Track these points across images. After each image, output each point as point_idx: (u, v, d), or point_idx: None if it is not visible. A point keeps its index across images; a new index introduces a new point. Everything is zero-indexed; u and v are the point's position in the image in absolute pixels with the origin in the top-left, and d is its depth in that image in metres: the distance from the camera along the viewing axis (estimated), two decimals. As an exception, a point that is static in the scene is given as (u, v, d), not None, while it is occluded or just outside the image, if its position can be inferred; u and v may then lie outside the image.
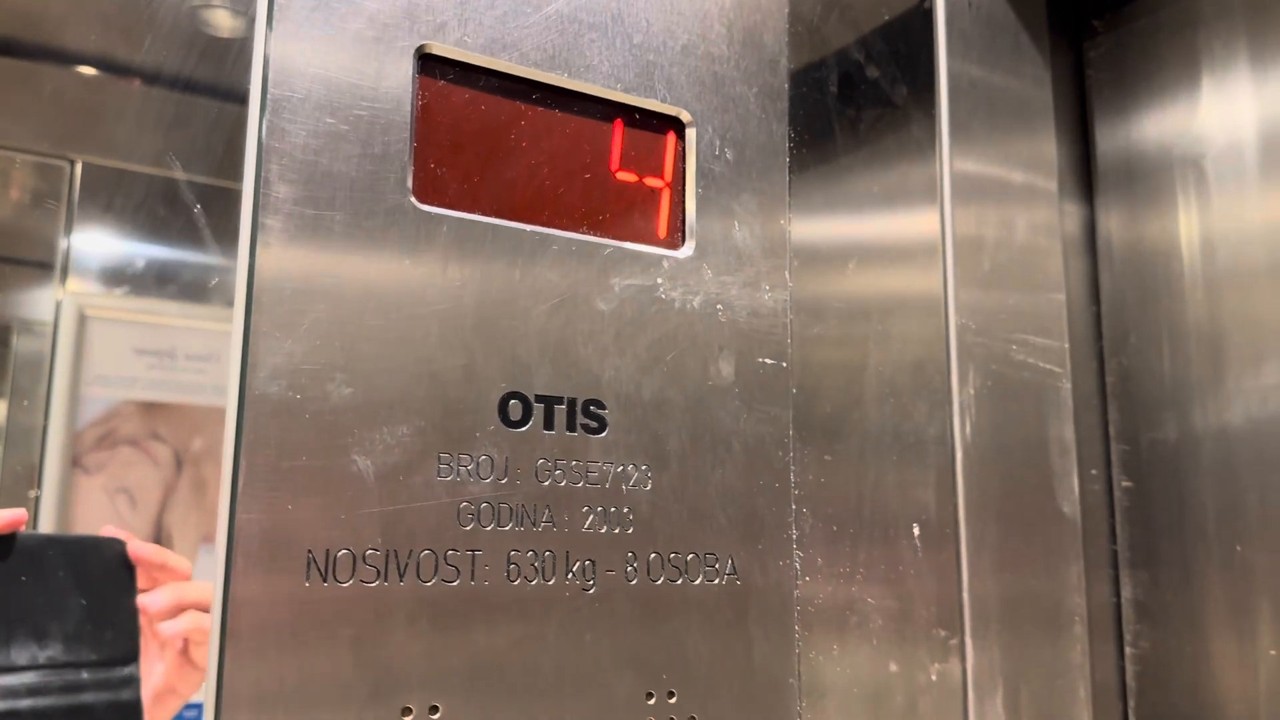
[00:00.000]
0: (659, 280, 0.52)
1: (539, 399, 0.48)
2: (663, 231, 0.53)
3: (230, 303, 0.63)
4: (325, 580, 0.42)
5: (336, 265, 0.44)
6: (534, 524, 0.47)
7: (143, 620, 0.76)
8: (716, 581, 0.51)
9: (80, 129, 1.45)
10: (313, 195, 0.44)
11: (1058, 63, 0.71)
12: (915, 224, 0.61)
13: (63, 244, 1.41)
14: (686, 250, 0.53)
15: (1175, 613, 0.65)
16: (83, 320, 1.40)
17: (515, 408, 0.47)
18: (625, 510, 0.49)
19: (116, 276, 1.43)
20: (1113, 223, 0.73)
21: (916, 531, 0.59)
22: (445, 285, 0.46)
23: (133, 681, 0.74)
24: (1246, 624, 0.62)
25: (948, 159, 0.63)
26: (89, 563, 0.75)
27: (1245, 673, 0.62)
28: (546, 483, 0.48)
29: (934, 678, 0.58)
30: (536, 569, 0.47)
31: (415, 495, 0.45)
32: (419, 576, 0.44)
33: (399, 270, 0.46)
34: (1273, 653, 0.60)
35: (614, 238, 0.51)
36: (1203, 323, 0.66)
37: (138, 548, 0.75)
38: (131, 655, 0.74)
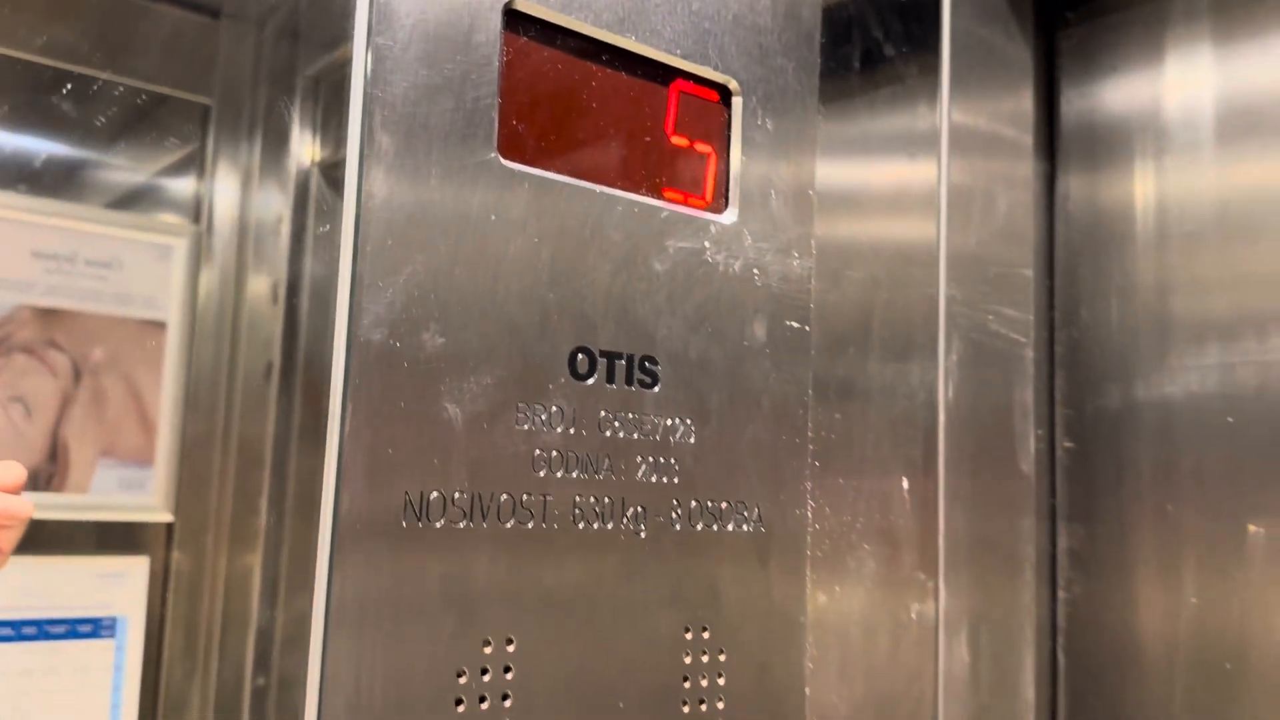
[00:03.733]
0: (706, 244, 0.54)
1: (603, 354, 0.50)
2: (709, 196, 0.55)
3: (142, 209, 0.62)
4: (420, 521, 0.44)
5: (431, 219, 0.46)
6: (596, 472, 0.50)
7: None
8: (745, 528, 0.55)
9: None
10: (412, 146, 0.45)
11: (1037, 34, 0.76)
12: (917, 173, 0.66)
13: (-45, 135, 1.33)
14: (730, 216, 0.56)
15: (1108, 563, 0.73)
16: (-24, 218, 1.32)
17: (583, 362, 0.50)
18: (672, 461, 0.52)
19: (14, 173, 1.35)
20: (1072, 181, 0.77)
21: (906, 485, 0.64)
22: (525, 242, 0.48)
23: None
24: (1173, 575, 0.69)
25: (947, 110, 0.68)
26: None
27: (1168, 618, 0.70)
28: (607, 433, 0.50)
29: (914, 616, 0.64)
30: (598, 514, 0.50)
31: (497, 442, 0.47)
32: (499, 519, 0.46)
33: (485, 226, 0.47)
34: (1194, 600, 0.68)
35: (669, 201, 0.53)
36: (1150, 297, 0.72)
37: None
38: None
